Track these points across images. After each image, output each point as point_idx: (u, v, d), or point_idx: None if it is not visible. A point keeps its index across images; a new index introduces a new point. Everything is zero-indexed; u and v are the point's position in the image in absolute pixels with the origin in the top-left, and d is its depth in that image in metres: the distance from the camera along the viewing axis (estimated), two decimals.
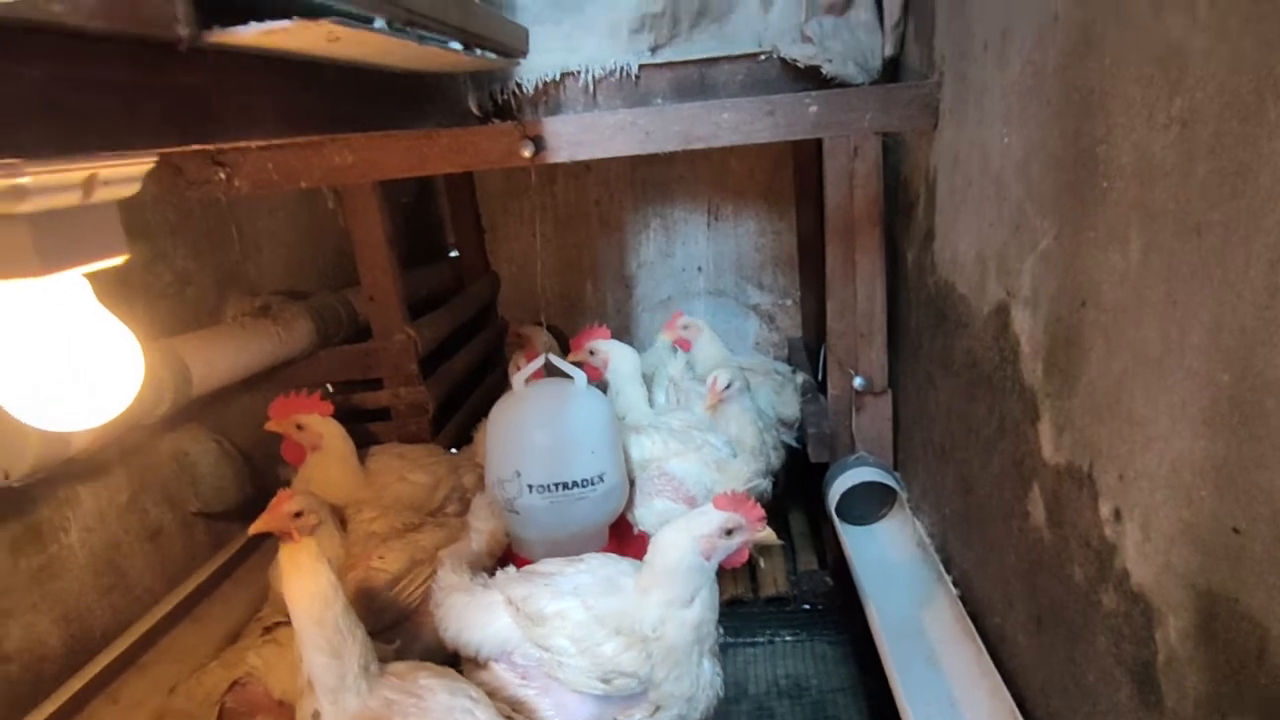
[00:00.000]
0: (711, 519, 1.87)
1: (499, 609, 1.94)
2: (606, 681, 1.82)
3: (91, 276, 1.06)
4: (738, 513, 1.87)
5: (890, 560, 2.66)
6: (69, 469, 2.12)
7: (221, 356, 2.39)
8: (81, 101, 0.88)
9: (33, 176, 0.84)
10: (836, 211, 2.69)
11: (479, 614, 1.95)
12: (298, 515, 2.20)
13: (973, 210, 2.05)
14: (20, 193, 0.85)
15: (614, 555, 2.12)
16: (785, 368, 3.66)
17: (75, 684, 2.04)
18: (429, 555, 2.36)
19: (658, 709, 1.86)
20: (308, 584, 1.67)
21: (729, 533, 1.86)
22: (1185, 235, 1.16)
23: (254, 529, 2.13)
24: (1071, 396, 1.53)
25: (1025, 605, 1.83)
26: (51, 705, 1.96)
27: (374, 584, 2.28)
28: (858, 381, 2.83)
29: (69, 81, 0.86)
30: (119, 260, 1.02)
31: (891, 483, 2.78)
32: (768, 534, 1.89)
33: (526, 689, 1.92)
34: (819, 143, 2.64)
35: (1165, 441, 1.23)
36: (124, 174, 0.97)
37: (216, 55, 1.10)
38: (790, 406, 3.40)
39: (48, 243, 0.90)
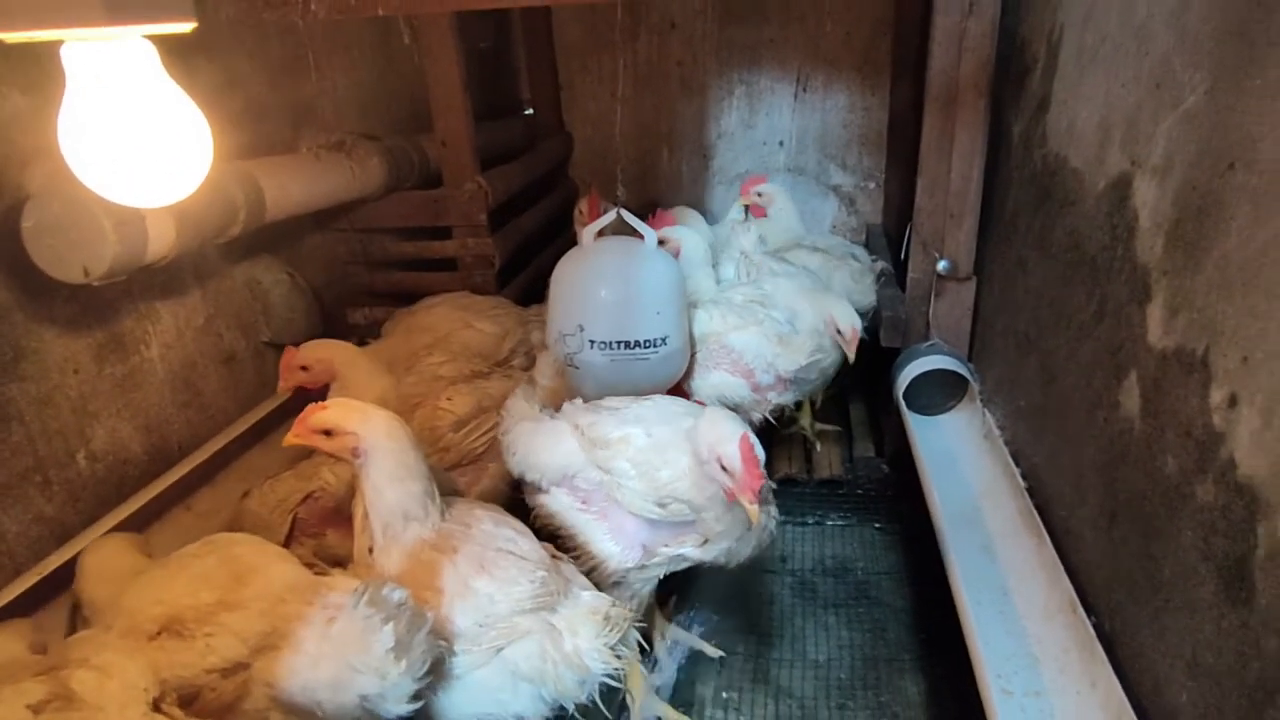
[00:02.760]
0: (708, 437, 1.75)
1: (565, 435, 1.99)
2: (662, 505, 1.87)
3: None
4: (740, 467, 1.69)
5: (956, 450, 2.59)
6: (148, 281, 2.16)
7: (295, 183, 2.36)
8: None
9: None
10: (940, 77, 2.47)
11: (545, 439, 2.00)
12: (327, 434, 1.76)
13: (1102, 71, 1.85)
14: None
15: (679, 399, 2.11)
16: (864, 254, 3.48)
17: (154, 489, 2.15)
18: (495, 403, 2.36)
19: (706, 541, 1.90)
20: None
21: (723, 468, 1.72)
22: None
23: (286, 441, 1.80)
24: (1196, 273, 1.39)
25: (1099, 499, 1.76)
26: (133, 505, 2.08)
27: (439, 425, 2.31)
28: (942, 265, 2.68)
29: None
30: (186, 27, 0.96)
31: (965, 372, 2.67)
32: (751, 509, 1.68)
33: (585, 513, 1.98)
34: (928, 3, 2.40)
35: None
36: None
37: None
38: (866, 295, 3.25)
39: None
